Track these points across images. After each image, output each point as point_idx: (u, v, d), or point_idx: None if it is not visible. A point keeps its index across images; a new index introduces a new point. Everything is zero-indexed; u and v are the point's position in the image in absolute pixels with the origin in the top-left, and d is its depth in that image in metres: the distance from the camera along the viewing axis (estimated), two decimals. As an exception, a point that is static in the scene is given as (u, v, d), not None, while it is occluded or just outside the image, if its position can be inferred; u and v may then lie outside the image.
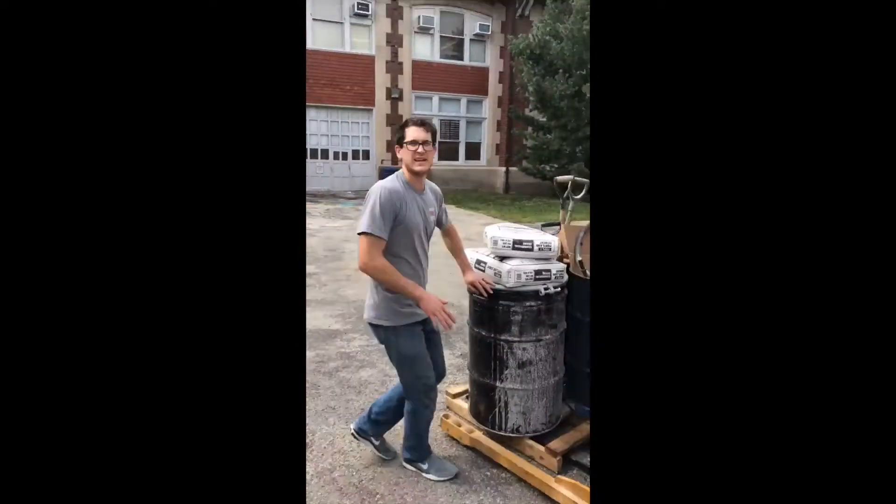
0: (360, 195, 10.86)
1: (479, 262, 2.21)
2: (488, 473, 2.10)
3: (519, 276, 2.05)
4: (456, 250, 2.16)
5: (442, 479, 2.04)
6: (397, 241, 1.81)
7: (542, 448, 2.12)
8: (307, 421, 2.43)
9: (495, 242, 2.17)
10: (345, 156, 12.51)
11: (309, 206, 9.29)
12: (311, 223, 7.73)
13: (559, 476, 1.96)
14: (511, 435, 2.19)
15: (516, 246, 2.14)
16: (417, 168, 1.82)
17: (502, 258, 2.16)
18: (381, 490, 1.98)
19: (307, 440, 2.30)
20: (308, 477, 2.04)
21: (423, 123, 1.83)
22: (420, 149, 1.79)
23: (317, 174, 12.04)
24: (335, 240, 6.81)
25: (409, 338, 1.89)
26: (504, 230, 2.23)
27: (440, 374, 2.10)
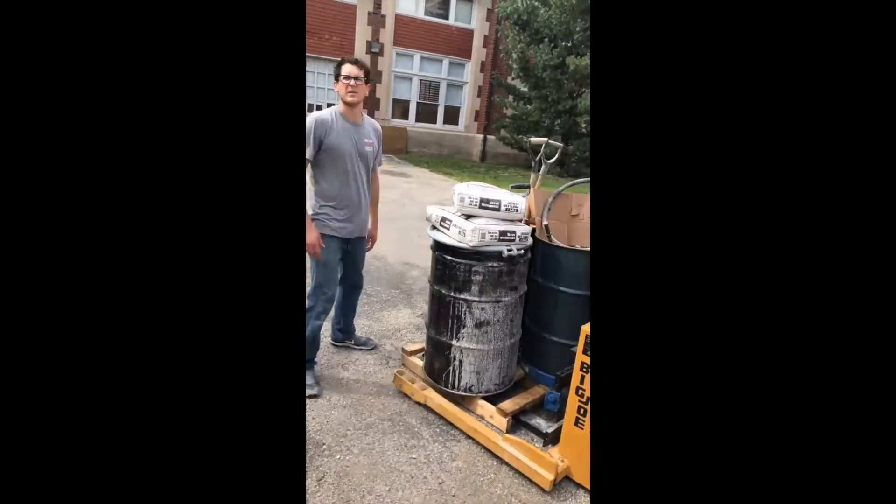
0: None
1: (444, 219, 2.15)
2: (437, 430, 2.10)
3: (483, 235, 2.00)
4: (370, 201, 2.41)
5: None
6: (328, 164, 2.19)
7: (492, 408, 2.13)
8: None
9: (462, 200, 2.11)
10: (319, 108, 12.09)
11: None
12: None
13: (506, 435, 1.98)
14: (463, 394, 2.19)
15: (483, 205, 2.09)
16: (350, 99, 2.17)
17: (468, 216, 2.11)
18: (328, 441, 1.96)
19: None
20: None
21: (356, 62, 2.18)
22: (353, 82, 2.15)
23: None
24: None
25: (324, 245, 2.22)
26: (472, 188, 2.18)
27: (354, 284, 2.54)
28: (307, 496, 1.66)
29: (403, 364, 2.54)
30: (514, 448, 1.88)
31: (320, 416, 2.12)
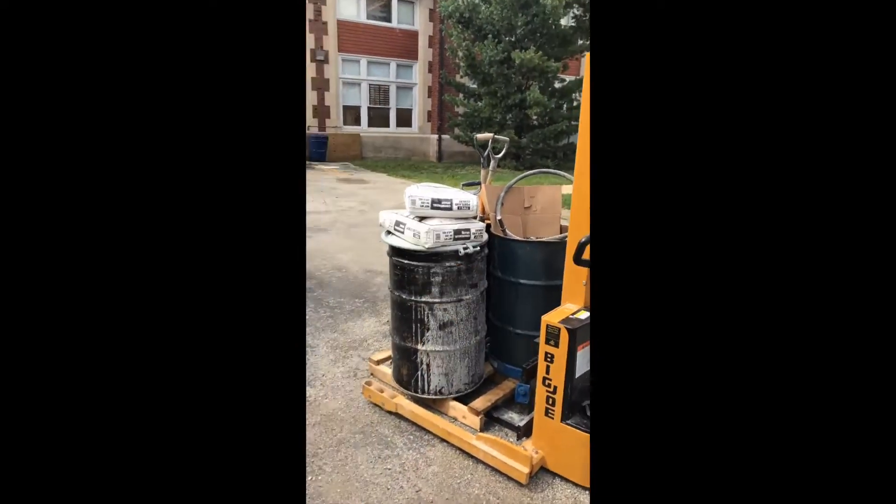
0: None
1: (398, 223, 2.12)
2: (410, 437, 2.07)
3: (438, 236, 1.99)
4: None
5: None
6: None
7: (464, 408, 2.12)
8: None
9: (413, 202, 2.08)
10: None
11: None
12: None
13: (479, 433, 1.97)
14: (434, 397, 2.17)
15: (435, 205, 2.07)
16: None
17: (421, 218, 2.08)
18: (299, 462, 1.90)
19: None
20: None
21: None
22: None
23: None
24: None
25: None
26: (422, 189, 2.15)
27: None
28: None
29: (371, 374, 2.49)
30: (488, 445, 1.87)
31: (289, 437, 2.05)
